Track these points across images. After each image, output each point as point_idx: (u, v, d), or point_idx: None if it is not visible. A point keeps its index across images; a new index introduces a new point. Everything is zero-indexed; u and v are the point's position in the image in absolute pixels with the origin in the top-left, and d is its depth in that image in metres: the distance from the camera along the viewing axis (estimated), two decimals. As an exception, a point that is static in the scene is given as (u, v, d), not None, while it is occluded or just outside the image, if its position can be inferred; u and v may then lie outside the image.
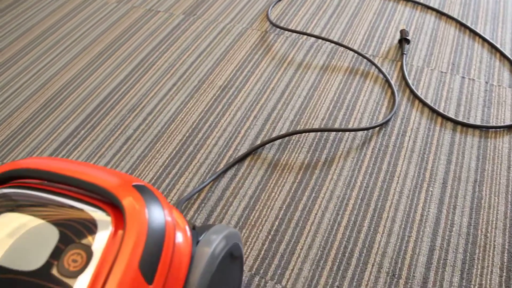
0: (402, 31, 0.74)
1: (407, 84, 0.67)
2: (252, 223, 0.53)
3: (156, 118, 0.65)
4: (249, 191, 0.56)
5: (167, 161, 0.60)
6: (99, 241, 0.29)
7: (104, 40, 0.81)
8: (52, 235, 0.30)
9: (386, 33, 0.78)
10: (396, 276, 0.48)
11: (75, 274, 0.28)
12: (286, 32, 0.79)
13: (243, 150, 0.60)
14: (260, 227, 0.52)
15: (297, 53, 0.75)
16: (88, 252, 0.29)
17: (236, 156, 0.59)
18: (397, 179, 0.56)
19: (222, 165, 0.59)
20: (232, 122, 0.64)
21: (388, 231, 0.52)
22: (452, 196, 0.55)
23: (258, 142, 0.61)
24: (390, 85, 0.67)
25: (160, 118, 0.65)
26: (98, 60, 0.77)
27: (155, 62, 0.75)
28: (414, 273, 0.48)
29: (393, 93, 0.66)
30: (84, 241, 0.29)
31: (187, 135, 0.63)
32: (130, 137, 0.63)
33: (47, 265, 0.29)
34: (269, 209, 0.54)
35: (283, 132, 0.62)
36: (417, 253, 0.50)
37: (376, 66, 0.70)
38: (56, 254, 0.29)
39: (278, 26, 0.78)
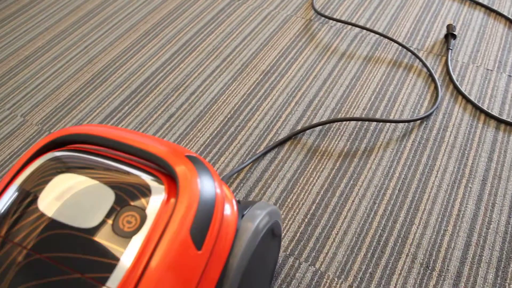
0: (448, 26, 0.73)
1: (451, 80, 0.67)
2: (289, 206, 0.54)
3: (199, 98, 0.67)
4: (287, 174, 0.57)
5: (208, 140, 0.61)
6: (152, 205, 0.31)
7: (151, 20, 0.82)
8: (108, 196, 0.32)
9: (432, 27, 0.77)
10: (430, 268, 0.48)
11: (129, 235, 0.30)
12: (331, 21, 0.79)
13: (283, 134, 0.61)
14: (297, 210, 0.53)
15: (340, 43, 0.75)
16: (142, 215, 0.30)
17: (277, 140, 0.60)
18: (436, 173, 0.56)
19: (262, 148, 0.60)
20: (274, 106, 0.65)
21: (424, 223, 0.52)
22: (491, 194, 0.54)
23: (299, 127, 0.62)
24: (433, 80, 0.67)
25: (203, 98, 0.67)
26: (144, 39, 0.78)
27: (200, 44, 0.76)
28: (448, 266, 0.48)
29: (436, 87, 0.66)
30: (138, 204, 0.31)
31: (228, 116, 0.64)
32: (172, 114, 0.65)
33: (103, 224, 0.30)
34: (306, 193, 0.55)
35: (324, 119, 0.62)
36: (452, 247, 0.50)
37: (421, 60, 0.69)
38: (112, 214, 0.31)
39: (322, 15, 0.78)
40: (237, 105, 0.65)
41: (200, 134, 0.62)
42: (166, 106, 0.66)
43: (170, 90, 0.69)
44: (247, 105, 0.65)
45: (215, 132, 0.62)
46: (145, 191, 0.31)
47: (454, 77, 0.67)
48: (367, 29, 0.74)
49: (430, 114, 0.62)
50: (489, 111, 0.62)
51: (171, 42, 0.77)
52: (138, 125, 0.64)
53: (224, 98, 0.66)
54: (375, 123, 0.62)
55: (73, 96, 0.70)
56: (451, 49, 0.71)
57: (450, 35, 0.72)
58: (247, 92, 0.67)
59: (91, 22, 0.83)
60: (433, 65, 0.70)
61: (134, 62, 0.74)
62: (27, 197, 0.33)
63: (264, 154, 0.59)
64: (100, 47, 0.78)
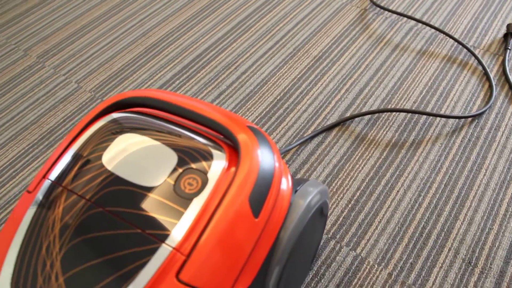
0: (509, 26, 0.71)
1: (507, 80, 0.65)
2: (334, 190, 0.54)
3: (250, 78, 0.67)
4: (334, 159, 0.57)
5: (256, 120, 0.62)
6: (214, 170, 0.31)
7: (206, -2, 0.83)
8: (170, 157, 0.33)
9: (491, 26, 0.75)
10: (472, 264, 0.48)
11: (190, 196, 0.30)
12: (386, 12, 0.78)
13: (332, 120, 0.61)
14: (341, 195, 0.53)
15: (395, 35, 0.74)
16: (204, 178, 0.31)
17: (325, 125, 0.60)
18: (484, 171, 0.56)
19: (310, 131, 0.60)
20: (324, 92, 0.65)
21: (469, 220, 0.51)
22: (540, 198, 0.53)
23: (348, 114, 0.62)
24: (488, 78, 0.65)
25: (254, 78, 0.67)
26: (199, 16, 0.79)
27: (253, 25, 0.77)
28: (491, 264, 0.48)
29: (490, 86, 0.64)
30: (200, 168, 0.32)
31: (278, 98, 0.64)
32: (223, 92, 0.66)
33: (165, 184, 0.31)
34: (351, 180, 0.55)
35: (373, 108, 0.62)
36: (496, 246, 0.49)
37: (476, 57, 0.68)
38: (174, 175, 0.32)
39: (378, 6, 0.77)
40: (287, 88, 0.66)
41: (249, 113, 0.63)
42: (216, 84, 0.67)
43: (221, 68, 0.69)
44: (297, 89, 0.65)
45: (264, 112, 0.63)
46: (207, 156, 0.32)
47: (511, 77, 0.66)
48: (423, 23, 0.73)
49: (483, 113, 0.61)
50: (545, 115, 0.61)
51: (226, 21, 0.78)
52: (188, 100, 0.65)
53: (275, 80, 0.67)
54: (425, 116, 0.61)
55: (126, 67, 0.71)
56: (509, 49, 0.69)
57: (509, 35, 0.70)
58: (298, 76, 0.67)
59: (147, -4, 0.85)
60: (489, 64, 0.68)
61: (187, 38, 0.75)
62: (92, 153, 0.34)
63: (312, 138, 0.59)
64: (155, 21, 0.79)
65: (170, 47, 0.74)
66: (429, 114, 0.59)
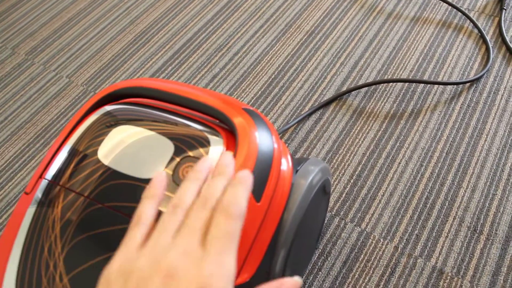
0: (502, -15, 0.70)
1: (504, 41, 0.64)
2: (335, 166, 0.53)
3: (243, 59, 0.66)
4: (333, 135, 0.56)
5: (252, 101, 0.61)
6: (212, 157, 0.31)
7: (192, -20, 0.82)
8: (167, 147, 0.32)
9: (484, -13, 0.74)
10: (478, 231, 0.48)
11: (189, 186, 0.30)
12: (376, -20, 0.77)
13: (328, 95, 0.60)
14: (343, 171, 0.53)
15: (387, 3, 0.72)
16: (201, 167, 0.30)
17: (322, 101, 0.60)
18: (485, 136, 0.55)
19: (307, 108, 0.59)
20: (319, 67, 0.64)
21: (472, 187, 0.51)
22: (543, 159, 0.53)
23: (344, 88, 0.61)
24: (485, 41, 0.64)
25: (247, 58, 0.66)
26: (186, 0, 0.78)
27: (242, 4, 0.75)
28: (496, 230, 0.48)
29: (487, 49, 0.63)
30: (198, 155, 0.31)
31: (273, 76, 0.63)
32: (216, 75, 0.65)
33: (163, 175, 0.31)
34: (352, 154, 0.54)
35: (370, 80, 0.61)
36: (501, 211, 0.49)
37: (471, 20, 0.67)
38: (172, 165, 0.31)
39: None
40: (281, 66, 0.65)
41: (244, 94, 0.62)
42: (209, 67, 0.66)
43: (213, 50, 0.68)
44: (291, 66, 0.64)
45: (260, 92, 0.62)
46: (204, 143, 0.32)
47: (508, 39, 0.65)
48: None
49: (481, 77, 0.60)
50: (544, 74, 0.60)
51: (213, 2, 0.76)
52: (182, 86, 0.64)
53: (268, 59, 0.66)
54: (422, 85, 0.60)
55: (116, 57, 0.70)
56: (505, 9, 0.68)
57: (504, -5, 0.69)
58: (291, 53, 0.66)
59: (132, -18, 0.83)
60: (484, 26, 0.67)
61: (176, 23, 0.74)
62: (87, 149, 0.34)
63: (309, 115, 0.58)
64: (141, 8, 0.78)
65: (160, 33, 0.72)
66: (426, 82, 0.58)
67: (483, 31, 0.65)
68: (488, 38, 0.65)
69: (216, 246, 0.22)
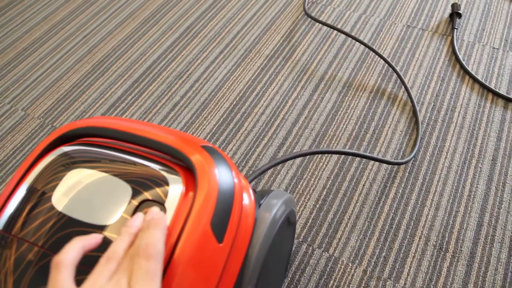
0: (453, 5, 0.72)
1: (457, 59, 0.66)
2: (300, 192, 0.53)
3: (203, 86, 0.66)
4: (296, 160, 0.56)
5: (214, 128, 0.60)
6: (171, 199, 0.30)
7: (149, 7, 0.81)
8: (124, 190, 0.31)
9: (437, 7, 0.76)
10: (443, 249, 0.48)
11: (148, 229, 0.29)
12: (334, 2, 0.78)
13: (290, 119, 0.60)
14: (308, 196, 0.53)
15: (347, 21, 0.73)
16: (161, 209, 0.30)
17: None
18: (445, 154, 0.56)
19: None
20: (280, 92, 0.64)
21: (436, 205, 0.52)
22: (501, 174, 0.54)
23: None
24: (415, 112, 0.60)
25: (207, 85, 0.66)
26: (144, 27, 0.77)
27: (201, 30, 0.75)
28: (461, 247, 0.48)
29: (417, 122, 0.59)
30: (156, 198, 0.30)
31: (234, 103, 0.63)
32: (177, 103, 0.64)
33: (122, 220, 0.30)
34: (317, 179, 0.54)
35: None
36: (464, 228, 0.50)
37: (405, 87, 0.68)
38: (130, 209, 0.30)
39: (312, 18, 0.77)
40: (242, 92, 0.64)
41: (206, 122, 0.61)
42: (170, 95, 0.65)
43: (173, 78, 0.68)
44: (253, 91, 0.64)
45: (221, 119, 0.61)
46: (162, 184, 0.31)
47: (460, 57, 0.66)
48: (353, 37, 0.73)
49: (410, 160, 0.56)
50: (497, 90, 0.62)
51: (172, 29, 0.76)
52: (142, 115, 0.63)
53: (229, 85, 0.66)
54: (382, 106, 0.61)
55: (74, 88, 0.69)
56: (456, 28, 0.70)
57: (455, 14, 0.71)
58: (252, 78, 0.66)
59: (88, 10, 0.82)
60: (438, 45, 0.69)
61: (135, 51, 0.73)
62: (41, 195, 0.32)
63: (283, 161, 0.58)
64: (99, 36, 0.77)
65: (118, 62, 0.71)
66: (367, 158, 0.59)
67: (414, 101, 0.61)
68: (418, 109, 0.60)
69: (140, 284, 0.25)
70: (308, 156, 0.56)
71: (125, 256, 0.27)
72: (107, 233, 0.29)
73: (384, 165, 0.55)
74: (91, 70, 0.71)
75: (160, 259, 0.26)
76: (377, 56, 0.67)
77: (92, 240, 0.28)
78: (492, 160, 0.55)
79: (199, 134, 0.60)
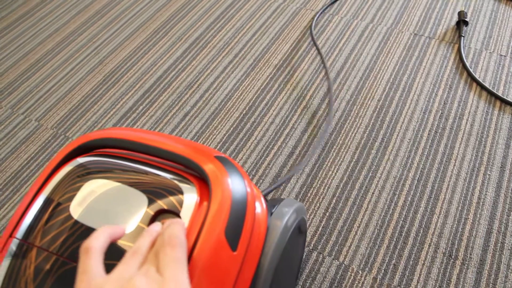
0: (460, 13, 0.73)
1: (464, 67, 0.67)
2: (310, 200, 0.54)
3: (213, 95, 0.67)
4: (306, 168, 0.57)
5: (224, 138, 0.61)
6: (186, 208, 0.31)
7: (160, 18, 0.82)
8: (141, 201, 0.32)
9: (443, 15, 0.77)
10: (453, 257, 0.49)
11: (164, 239, 0.30)
12: (341, 11, 0.79)
13: (300, 128, 0.61)
14: (318, 204, 0.53)
15: (354, 30, 0.74)
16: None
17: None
18: (454, 161, 0.56)
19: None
20: (289, 101, 0.65)
21: (445, 213, 0.52)
22: (510, 181, 0.54)
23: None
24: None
25: (217, 95, 0.67)
26: (154, 38, 0.78)
27: (210, 40, 0.76)
28: (471, 254, 0.49)
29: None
30: (172, 208, 0.31)
31: (244, 112, 0.64)
32: (187, 113, 0.65)
33: (138, 229, 0.30)
34: (326, 187, 0.55)
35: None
36: (474, 235, 0.50)
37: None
38: (146, 219, 0.31)
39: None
40: (252, 101, 0.65)
41: (217, 131, 0.62)
42: (180, 105, 0.66)
43: (183, 88, 0.69)
44: (262, 100, 0.65)
45: (231, 129, 0.62)
46: (177, 194, 0.32)
47: (468, 64, 0.67)
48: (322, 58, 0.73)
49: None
50: (505, 97, 0.62)
51: (182, 40, 0.77)
52: (153, 125, 0.64)
53: (238, 94, 0.66)
54: (390, 113, 0.62)
55: (86, 98, 0.70)
56: (463, 36, 0.70)
57: (462, 22, 0.72)
58: (261, 87, 0.67)
59: (99, 22, 0.83)
60: (445, 53, 0.70)
61: (145, 61, 0.74)
62: (58, 205, 0.33)
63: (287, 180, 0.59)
64: (110, 47, 0.78)
65: (129, 73, 0.73)
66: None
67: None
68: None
69: (170, 269, 0.26)
70: (317, 165, 0.57)
71: (150, 251, 0.28)
72: (124, 242, 0.30)
73: (393, 172, 0.55)
74: (102, 80, 0.72)
75: (184, 247, 0.27)
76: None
77: (118, 229, 0.29)
78: (501, 167, 0.56)
79: (209, 143, 0.60)
